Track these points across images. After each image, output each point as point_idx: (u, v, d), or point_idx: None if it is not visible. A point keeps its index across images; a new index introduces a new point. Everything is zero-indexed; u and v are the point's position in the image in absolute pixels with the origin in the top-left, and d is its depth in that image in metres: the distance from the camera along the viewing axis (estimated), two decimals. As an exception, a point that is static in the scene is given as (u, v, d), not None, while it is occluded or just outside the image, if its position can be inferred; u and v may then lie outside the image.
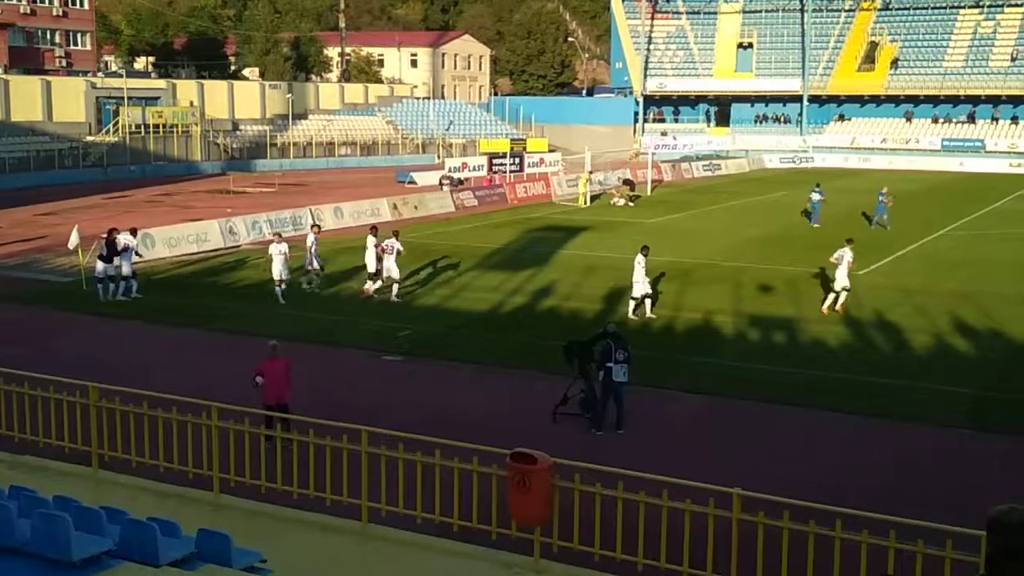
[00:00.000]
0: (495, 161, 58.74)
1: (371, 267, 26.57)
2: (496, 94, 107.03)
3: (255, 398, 14.54)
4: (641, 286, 23.96)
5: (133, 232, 27.38)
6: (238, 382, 16.11)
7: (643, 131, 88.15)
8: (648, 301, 24.19)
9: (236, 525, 10.56)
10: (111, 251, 25.87)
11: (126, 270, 26.42)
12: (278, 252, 25.87)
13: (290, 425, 13.45)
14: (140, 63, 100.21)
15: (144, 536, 8.52)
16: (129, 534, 8.61)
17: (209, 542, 8.75)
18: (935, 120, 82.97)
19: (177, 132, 67.87)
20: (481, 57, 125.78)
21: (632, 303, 24.27)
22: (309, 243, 27.20)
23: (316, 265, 27.18)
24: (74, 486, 11.47)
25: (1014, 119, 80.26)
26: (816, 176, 58.74)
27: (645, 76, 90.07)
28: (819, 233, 39.16)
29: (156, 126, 66.52)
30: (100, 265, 25.94)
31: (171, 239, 33.47)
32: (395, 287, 26.23)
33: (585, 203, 50.41)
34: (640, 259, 24.01)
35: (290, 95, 78.15)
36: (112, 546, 8.49)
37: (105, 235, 26.36)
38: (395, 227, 30.16)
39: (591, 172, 54.08)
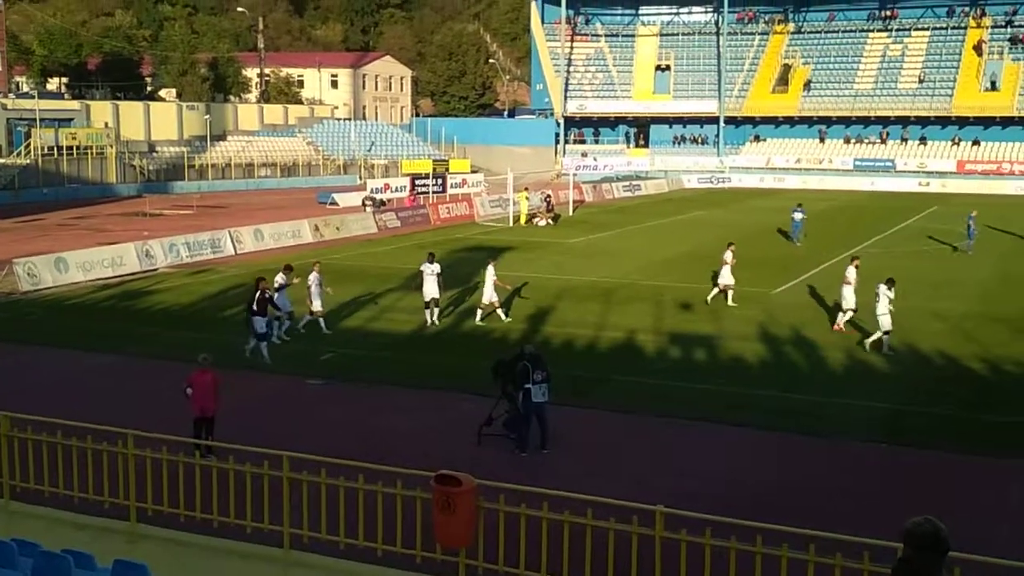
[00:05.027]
0: (418, 182, 58.70)
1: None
2: (418, 115, 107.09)
3: (172, 424, 14.27)
4: (887, 319, 22.68)
5: (287, 269, 24.87)
6: (155, 407, 15.82)
7: (564, 152, 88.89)
8: (887, 337, 22.75)
9: (154, 555, 10.36)
10: (263, 303, 22.00)
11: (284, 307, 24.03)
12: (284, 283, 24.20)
13: (211, 436, 14.27)
14: (53, 84, 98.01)
15: (58, 569, 8.31)
16: (42, 567, 8.38)
17: (126, 573, 8.55)
18: (847, 140, 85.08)
19: (91, 154, 66.62)
20: (402, 78, 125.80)
21: (885, 335, 22.89)
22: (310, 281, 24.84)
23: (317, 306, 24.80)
24: (-16, 519, 11.14)
25: (922, 139, 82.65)
26: (734, 196, 59.62)
27: (565, 98, 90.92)
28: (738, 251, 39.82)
29: (70, 148, 65.24)
30: (259, 321, 22.01)
31: (85, 263, 32.78)
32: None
33: (525, 222, 50.70)
34: (885, 289, 22.84)
35: (208, 116, 77.31)
36: (24, 580, 8.26)
37: (256, 287, 22.32)
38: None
39: (526, 188, 54.40)
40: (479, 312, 26.14)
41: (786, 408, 18.68)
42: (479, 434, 16.29)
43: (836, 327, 25.33)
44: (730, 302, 28.10)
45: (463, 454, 15.22)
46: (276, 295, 23.32)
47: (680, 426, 17.66)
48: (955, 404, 19.02)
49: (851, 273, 25.39)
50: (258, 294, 21.93)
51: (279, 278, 24.12)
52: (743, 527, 9.49)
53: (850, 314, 25.16)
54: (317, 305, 24.56)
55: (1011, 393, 19.89)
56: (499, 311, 26.20)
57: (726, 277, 28.27)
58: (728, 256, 28.47)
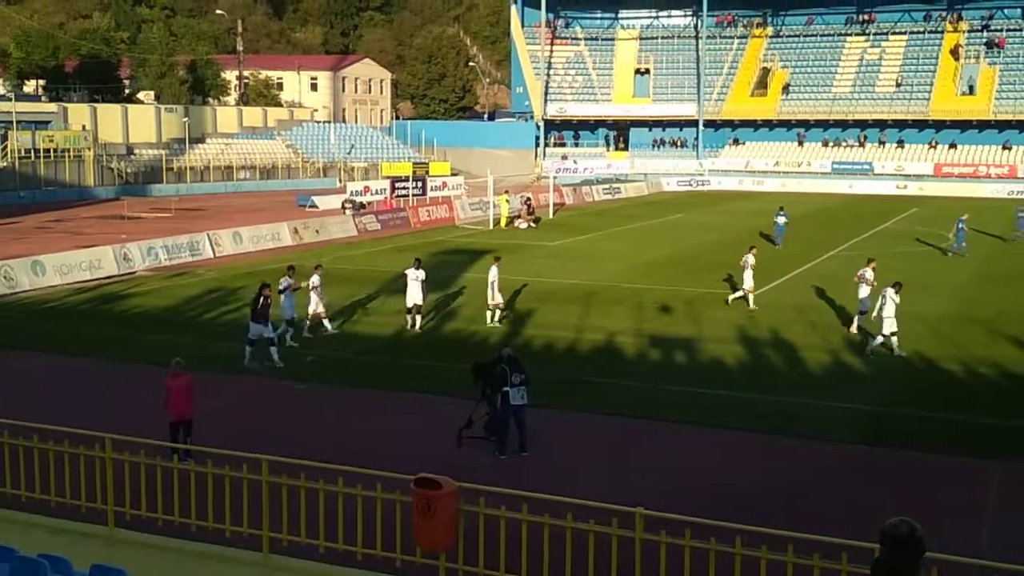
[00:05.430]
0: (398, 185, 58.62)
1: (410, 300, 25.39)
2: (398, 118, 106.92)
3: (150, 428, 14.19)
4: (891, 323, 22.63)
5: (290, 269, 24.11)
6: (133, 411, 15.72)
7: (544, 155, 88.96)
8: (895, 338, 22.75)
9: (132, 560, 10.30)
10: (263, 309, 21.55)
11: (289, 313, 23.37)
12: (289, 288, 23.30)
13: (189, 439, 14.64)
14: (30, 86, 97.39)
15: (35, 574, 8.24)
16: (19, 572, 8.32)
17: (103, 578, 8.50)
18: (825, 144, 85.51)
19: (69, 157, 66.18)
20: (382, 81, 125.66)
21: (881, 339, 22.95)
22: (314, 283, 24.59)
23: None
24: (-41, 524, 11.05)
25: (900, 142, 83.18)
26: (714, 199, 59.81)
27: (545, 101, 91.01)
28: (716, 255, 39.97)
29: (47, 151, 64.77)
30: (255, 327, 21.60)
31: (63, 266, 32.57)
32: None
33: (505, 224, 50.72)
34: (892, 293, 22.77)
35: (187, 119, 76.91)
36: (0, 586, 8.20)
37: (259, 291, 21.77)
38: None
39: (507, 191, 54.45)
40: (497, 313, 26.10)
41: (766, 410, 18.72)
42: (459, 437, 16.27)
43: (851, 329, 25.15)
44: (751, 305, 28.21)
45: (443, 457, 15.20)
46: (282, 298, 23.06)
47: (660, 428, 17.68)
48: (935, 406, 19.12)
49: (869, 274, 25.22)
50: (261, 299, 21.58)
51: (283, 281, 23.49)
52: (722, 528, 9.52)
53: (860, 317, 25.04)
54: (312, 307, 24.39)
55: (990, 395, 20.02)
56: (487, 312, 26.16)
57: (749, 280, 28.35)
58: (750, 259, 28.58)
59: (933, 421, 18.14)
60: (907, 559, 5.25)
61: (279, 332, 22.64)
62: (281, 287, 23.16)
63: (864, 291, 25.05)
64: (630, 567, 9.69)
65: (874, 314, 23.58)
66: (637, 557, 9.66)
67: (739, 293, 28.79)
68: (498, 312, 26.17)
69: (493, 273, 26.02)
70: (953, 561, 8.55)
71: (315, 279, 24.40)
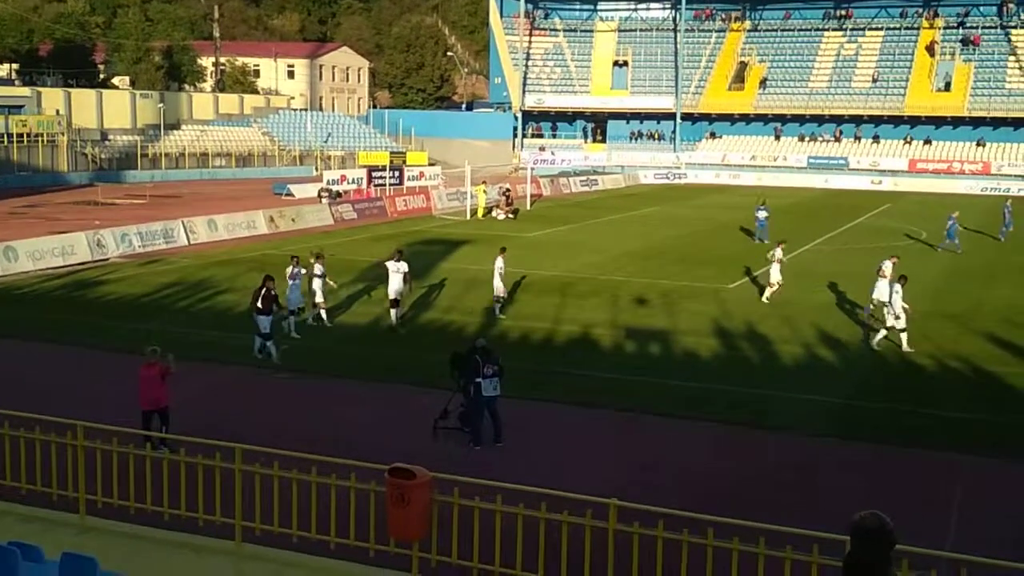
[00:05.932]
0: (375, 174, 58.44)
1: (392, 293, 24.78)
2: (375, 107, 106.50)
3: (123, 416, 14.11)
4: (895, 318, 22.91)
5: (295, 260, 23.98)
6: (105, 399, 15.59)
7: (522, 146, 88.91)
8: (905, 335, 22.87)
9: (103, 548, 10.25)
10: (267, 302, 21.13)
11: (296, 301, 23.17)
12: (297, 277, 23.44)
13: (166, 428, 14.57)
14: (3, 70, 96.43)
15: (5, 561, 8.19)
16: (-12, 560, 8.26)
17: (74, 567, 8.45)
18: (802, 138, 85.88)
19: (42, 142, 65.55)
20: (360, 69, 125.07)
21: (883, 332, 23.22)
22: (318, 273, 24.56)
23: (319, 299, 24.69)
24: (-72, 511, 10.96)
25: (875, 138, 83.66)
26: (690, 192, 59.91)
27: (524, 92, 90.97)
28: (692, 248, 40.05)
29: (20, 135, 64.12)
30: (263, 320, 21.23)
31: (35, 252, 32.29)
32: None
33: (483, 215, 50.68)
34: (898, 288, 22.88)
35: (162, 105, 76.34)
36: (-31, 573, 8.14)
37: (261, 285, 21.38)
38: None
39: (484, 181, 54.36)
40: (497, 306, 26.09)
41: (740, 402, 18.82)
42: (434, 427, 16.28)
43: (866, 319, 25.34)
44: (766, 297, 28.46)
45: (418, 447, 15.20)
46: (290, 286, 22.94)
47: (635, 420, 17.74)
48: (905, 399, 19.27)
49: (887, 268, 25.25)
50: (263, 291, 21.26)
51: (289, 271, 23.29)
52: (695, 520, 9.57)
53: (876, 307, 25.02)
54: (319, 298, 24.27)
55: (960, 389, 20.22)
56: (495, 305, 26.13)
57: (776, 274, 28.63)
58: (779, 253, 29.08)
59: (903, 414, 18.28)
60: (877, 552, 5.30)
61: (281, 323, 22.61)
62: (289, 277, 23.02)
63: (883, 284, 25.00)
64: (603, 558, 9.73)
65: (873, 303, 24.07)
66: (610, 548, 9.70)
67: (770, 290, 28.76)
68: (502, 303, 26.15)
69: (499, 263, 26.02)
70: (922, 554, 8.64)
71: (318, 268, 24.32)
